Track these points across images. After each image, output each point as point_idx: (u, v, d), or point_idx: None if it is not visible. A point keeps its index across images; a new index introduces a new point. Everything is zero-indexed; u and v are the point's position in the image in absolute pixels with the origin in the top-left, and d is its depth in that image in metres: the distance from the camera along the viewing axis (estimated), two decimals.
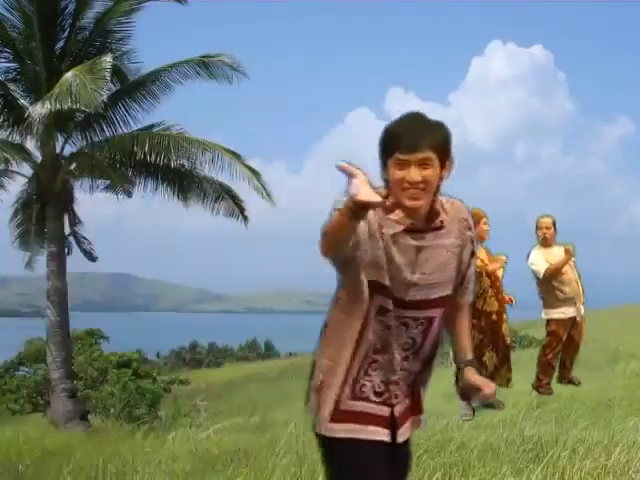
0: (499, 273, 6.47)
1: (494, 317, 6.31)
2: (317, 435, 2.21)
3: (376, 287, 2.08)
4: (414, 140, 2.01)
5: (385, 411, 2.17)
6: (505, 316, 6.47)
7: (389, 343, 2.13)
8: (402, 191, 2.02)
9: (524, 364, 9.44)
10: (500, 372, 6.46)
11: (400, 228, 2.07)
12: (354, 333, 2.12)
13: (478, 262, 6.19)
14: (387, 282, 2.07)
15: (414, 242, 2.09)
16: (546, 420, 5.77)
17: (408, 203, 2.03)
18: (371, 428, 2.14)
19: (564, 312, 6.97)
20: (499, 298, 6.35)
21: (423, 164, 2.01)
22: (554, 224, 7.01)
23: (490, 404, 6.21)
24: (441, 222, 2.12)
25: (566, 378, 7.44)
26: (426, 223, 2.10)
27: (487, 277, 6.28)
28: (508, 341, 6.61)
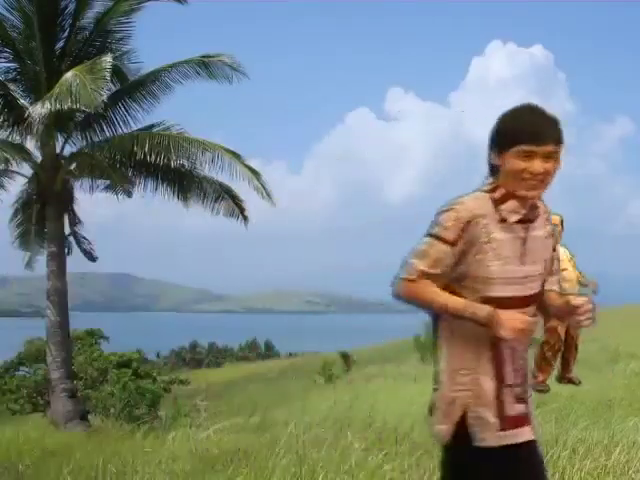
0: None
1: None
2: (461, 447, 2.11)
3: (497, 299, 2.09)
4: (542, 133, 2.03)
5: (523, 408, 2.17)
6: None
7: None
8: (522, 181, 2.05)
9: None
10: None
11: (516, 218, 2.10)
12: (486, 336, 2.08)
13: None
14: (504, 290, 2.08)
15: (522, 234, 2.12)
16: (546, 420, 5.76)
17: (527, 193, 2.07)
18: (526, 429, 2.15)
19: None
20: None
21: (547, 157, 2.04)
22: (562, 222, 7.00)
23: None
24: (539, 213, 2.17)
25: (566, 378, 7.44)
26: (531, 213, 2.14)
27: None
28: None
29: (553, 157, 2.05)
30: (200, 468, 4.95)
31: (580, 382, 7.62)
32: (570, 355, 7.41)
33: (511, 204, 2.09)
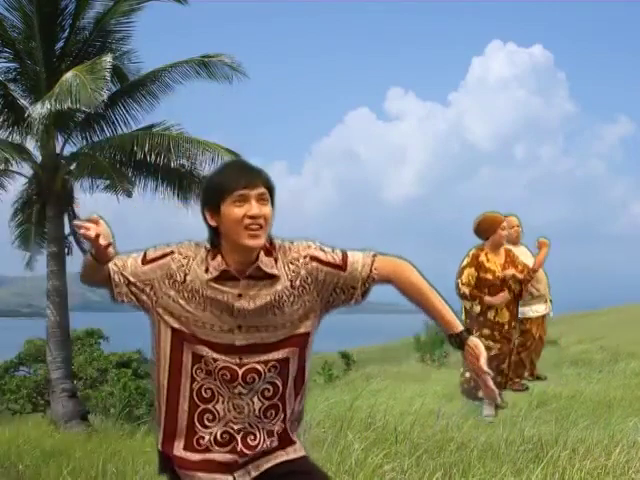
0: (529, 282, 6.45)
1: (506, 327, 6.31)
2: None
3: (182, 335, 2.08)
4: (250, 176, 2.04)
5: (230, 458, 2.12)
6: (515, 324, 6.46)
7: (222, 392, 2.08)
8: (244, 230, 2.01)
9: None
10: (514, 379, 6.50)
11: (215, 274, 2.05)
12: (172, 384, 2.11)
13: (488, 275, 6.14)
14: (194, 329, 2.06)
15: (227, 289, 2.06)
16: (546, 420, 5.77)
17: (250, 242, 2.02)
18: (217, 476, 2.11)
19: (537, 310, 7.07)
20: (510, 309, 6.34)
21: (261, 199, 2.03)
22: (519, 224, 7.07)
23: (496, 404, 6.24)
24: (263, 271, 2.07)
25: (534, 375, 7.49)
26: (246, 269, 2.06)
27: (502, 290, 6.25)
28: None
29: (267, 201, 2.04)
30: None
31: (546, 377, 7.68)
32: (538, 353, 7.47)
33: (217, 260, 2.07)
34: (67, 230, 13.97)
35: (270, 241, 2.10)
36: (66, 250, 13.85)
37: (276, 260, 2.09)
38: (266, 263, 2.07)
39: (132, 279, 2.09)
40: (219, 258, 2.06)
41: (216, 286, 2.06)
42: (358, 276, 2.13)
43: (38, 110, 11.49)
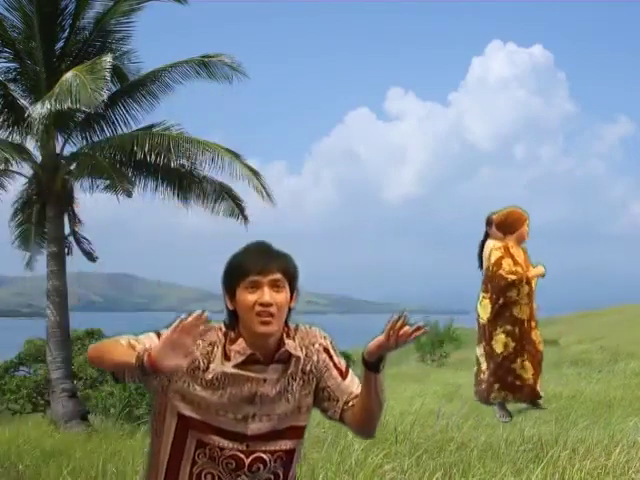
0: (533, 281, 6.46)
1: (526, 325, 6.32)
2: None
3: (194, 421, 2.03)
4: (266, 262, 2.00)
5: None
6: (534, 323, 6.46)
7: (223, 478, 2.05)
8: (256, 316, 1.98)
9: None
10: (538, 380, 6.45)
11: (240, 359, 2.01)
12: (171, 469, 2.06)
13: (519, 269, 6.18)
14: (205, 416, 2.01)
15: (254, 374, 2.02)
16: (546, 420, 5.77)
17: (261, 328, 1.98)
18: None
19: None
20: (531, 306, 6.35)
21: (275, 286, 2.00)
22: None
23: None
24: (287, 353, 2.05)
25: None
26: (271, 354, 2.04)
27: (527, 284, 6.27)
28: (541, 347, 6.57)
29: (282, 287, 2.01)
30: None
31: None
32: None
33: (239, 344, 2.02)
34: (67, 230, 13.98)
35: (285, 323, 2.07)
36: (66, 250, 13.85)
37: (294, 341, 2.09)
38: (290, 345, 2.06)
39: None
40: (241, 342, 2.02)
41: (241, 372, 2.02)
42: (348, 390, 2.14)
43: (38, 110, 11.49)
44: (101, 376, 17.28)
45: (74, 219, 14.23)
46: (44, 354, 14.25)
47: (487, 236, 6.78)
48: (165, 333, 1.82)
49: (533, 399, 6.50)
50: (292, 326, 2.11)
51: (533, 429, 5.15)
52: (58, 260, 13.46)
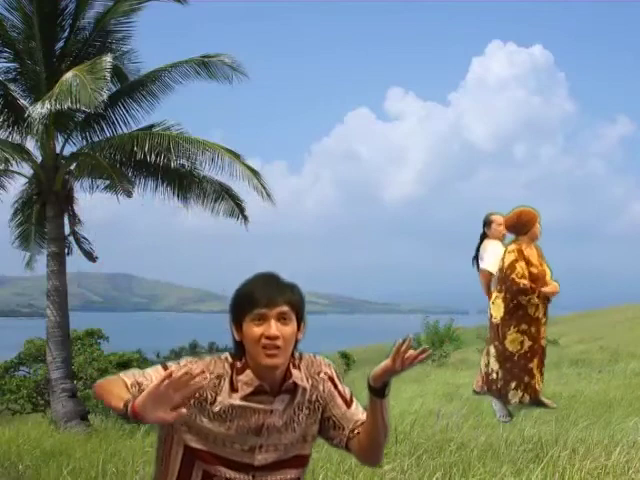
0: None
1: (540, 324, 6.33)
2: None
3: (201, 453, 2.03)
4: (272, 294, 2.00)
5: None
6: (546, 319, 6.46)
7: None
8: (262, 349, 1.98)
9: None
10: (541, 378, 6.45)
11: (249, 390, 2.01)
12: None
13: (533, 269, 6.18)
14: (212, 447, 2.02)
15: (261, 406, 2.03)
16: (546, 420, 5.77)
17: (267, 361, 1.99)
18: None
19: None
20: (545, 305, 6.36)
21: (282, 319, 2.00)
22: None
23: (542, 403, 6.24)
24: (294, 383, 2.06)
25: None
26: (277, 385, 2.05)
27: (538, 297, 6.26)
28: (543, 343, 6.56)
29: (289, 320, 2.01)
30: None
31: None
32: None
33: (246, 375, 2.02)
34: (67, 230, 13.98)
35: (291, 353, 2.07)
36: (66, 250, 13.84)
37: (300, 371, 2.09)
38: (296, 375, 2.07)
39: None
40: (249, 373, 2.03)
41: (249, 404, 2.03)
42: (354, 419, 2.14)
43: (38, 110, 11.48)
44: (101, 376, 17.27)
45: (74, 219, 14.22)
46: (44, 354, 14.25)
47: (484, 237, 6.77)
48: (150, 386, 1.78)
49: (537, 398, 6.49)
50: (297, 354, 2.11)
51: (533, 429, 5.15)
52: (58, 260, 13.45)
